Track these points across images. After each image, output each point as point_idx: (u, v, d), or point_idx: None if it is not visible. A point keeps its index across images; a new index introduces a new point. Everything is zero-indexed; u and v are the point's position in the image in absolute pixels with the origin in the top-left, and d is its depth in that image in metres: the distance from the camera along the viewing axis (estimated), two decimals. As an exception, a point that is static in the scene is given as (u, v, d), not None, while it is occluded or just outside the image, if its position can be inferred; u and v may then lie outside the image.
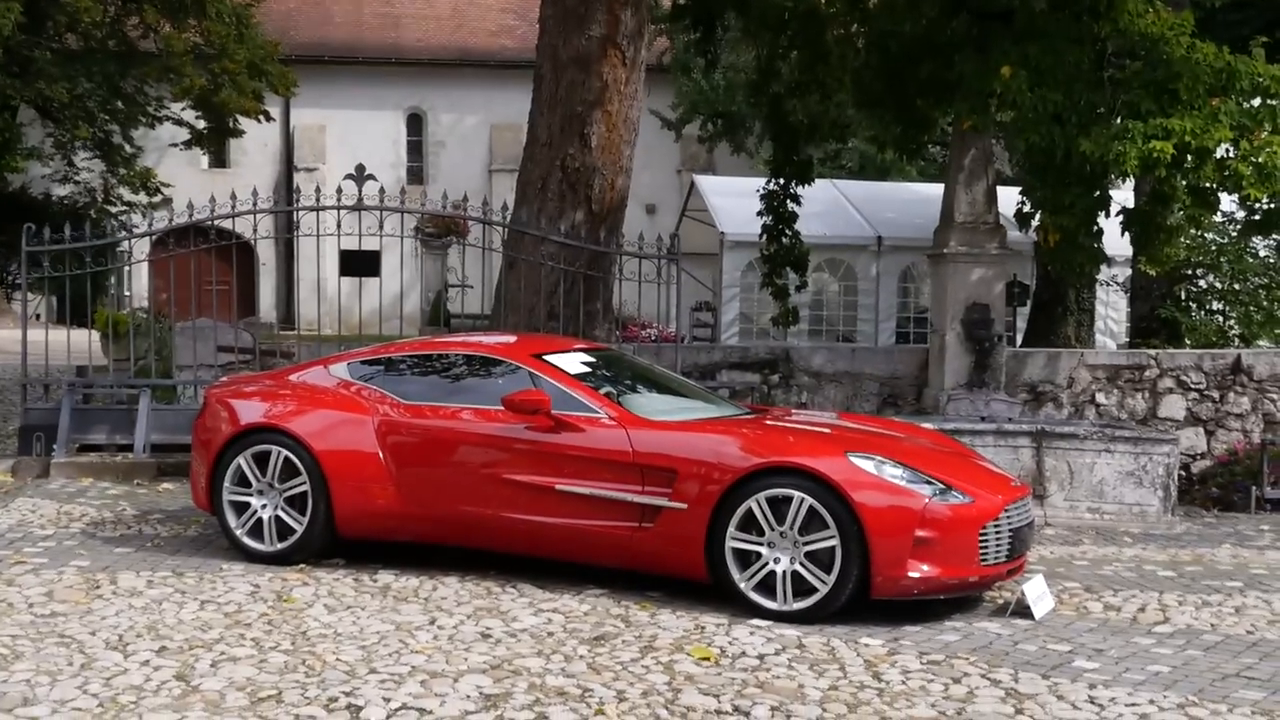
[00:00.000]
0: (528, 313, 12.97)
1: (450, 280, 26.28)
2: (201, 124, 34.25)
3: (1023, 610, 7.63)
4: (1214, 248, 17.57)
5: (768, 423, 8.42)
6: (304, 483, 8.42)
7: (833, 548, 7.25)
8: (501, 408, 8.17)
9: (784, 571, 7.35)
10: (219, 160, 39.98)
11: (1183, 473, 13.15)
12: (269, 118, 35.30)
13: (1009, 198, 14.23)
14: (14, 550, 8.67)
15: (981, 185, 13.37)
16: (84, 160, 34.83)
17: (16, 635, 6.62)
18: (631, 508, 7.79)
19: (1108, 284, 20.07)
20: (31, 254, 12.61)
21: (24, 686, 5.77)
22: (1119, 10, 11.99)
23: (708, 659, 6.51)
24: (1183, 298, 17.91)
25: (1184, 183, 11.82)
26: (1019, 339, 19.30)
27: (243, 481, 8.59)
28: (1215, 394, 13.90)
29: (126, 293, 17.59)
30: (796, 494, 7.32)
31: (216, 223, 12.84)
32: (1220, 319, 17.91)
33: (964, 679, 6.29)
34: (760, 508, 7.40)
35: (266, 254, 38.48)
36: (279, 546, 8.47)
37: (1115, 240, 14.18)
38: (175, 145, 35.27)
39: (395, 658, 6.37)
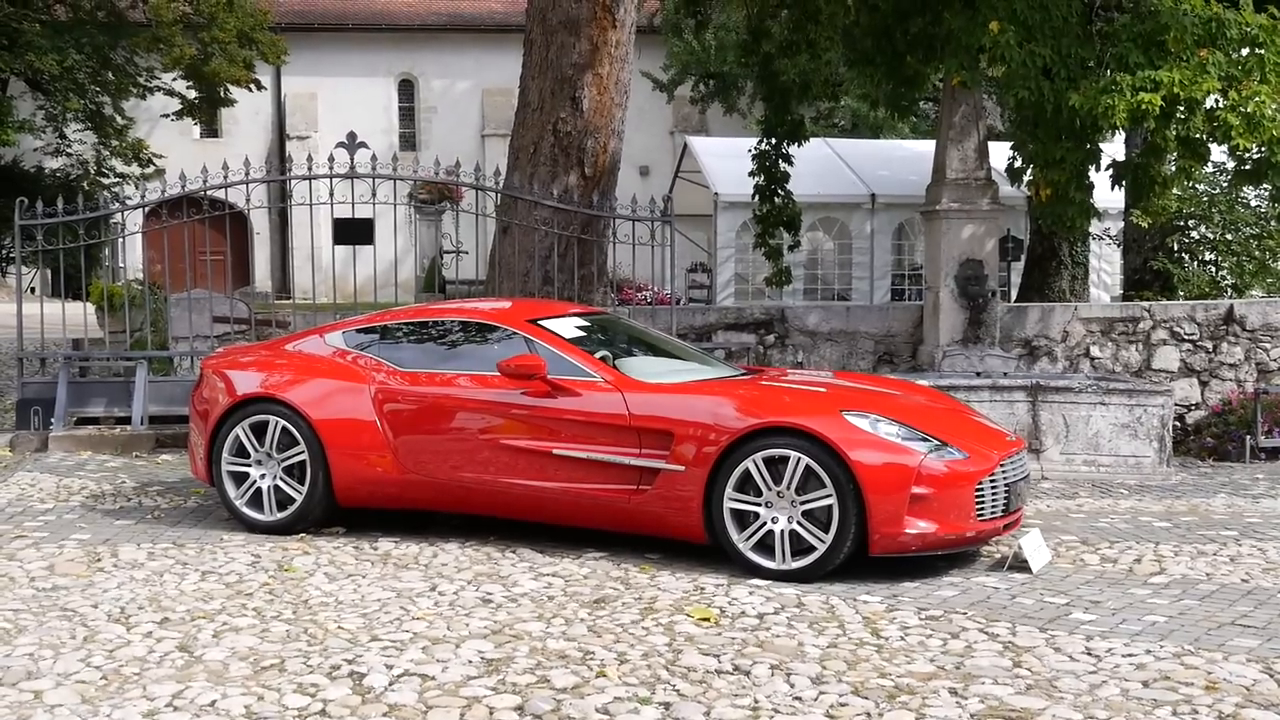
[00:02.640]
0: (522, 278, 13.00)
1: (445, 246, 26.29)
2: (192, 94, 34.14)
3: (1020, 564, 7.68)
4: (1205, 199, 17.58)
5: (763, 383, 8.44)
6: (302, 452, 8.45)
7: (830, 506, 7.28)
8: (498, 374, 8.19)
9: (782, 531, 7.39)
10: (211, 130, 39.89)
11: (1177, 424, 13.21)
12: (260, 86, 35.18)
13: (1001, 153, 14.22)
14: (14, 525, 8.71)
15: (972, 141, 13.35)
16: (75, 132, 34.72)
17: (19, 609, 6.66)
18: (629, 471, 7.82)
19: (1100, 237, 20.11)
20: (25, 228, 12.61)
21: (27, 660, 5.80)
22: (1106, -38, 12.00)
23: (707, 619, 6.54)
24: (1175, 249, 17.93)
25: (1174, 134, 11.83)
26: (1013, 294, 19.36)
27: (241, 452, 8.62)
28: (1209, 344, 13.93)
29: (121, 265, 17.58)
30: (793, 454, 7.34)
31: (210, 193, 12.84)
32: (1213, 270, 17.95)
33: (962, 634, 6.34)
34: (757, 468, 7.43)
35: (260, 223, 38.41)
36: (279, 516, 8.51)
37: (1107, 193, 14.19)
38: (167, 116, 35.16)
39: (397, 625, 6.41)
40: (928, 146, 17.84)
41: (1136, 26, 11.88)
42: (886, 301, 21.42)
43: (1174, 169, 12.94)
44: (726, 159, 21.56)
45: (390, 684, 5.51)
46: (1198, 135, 11.90)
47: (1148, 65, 11.56)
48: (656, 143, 38.85)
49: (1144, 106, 11.25)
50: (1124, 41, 11.85)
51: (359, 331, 9.03)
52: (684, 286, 23.96)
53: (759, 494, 7.44)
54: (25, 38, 30.68)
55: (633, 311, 13.32)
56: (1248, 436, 12.83)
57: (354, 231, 14.75)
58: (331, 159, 12.55)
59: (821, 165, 21.86)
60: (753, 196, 17.42)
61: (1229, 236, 17.75)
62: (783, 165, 17.06)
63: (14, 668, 5.69)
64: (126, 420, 12.37)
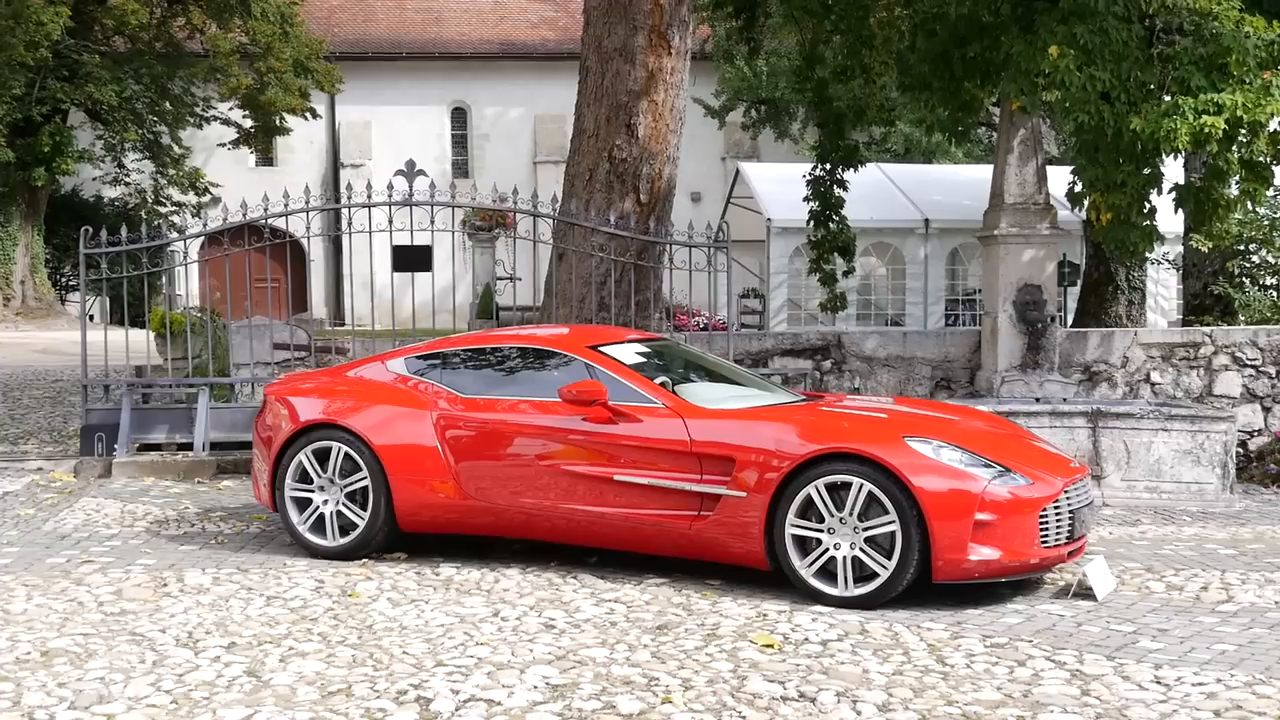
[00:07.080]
0: (578, 304, 13.03)
1: (499, 273, 26.40)
2: (249, 123, 34.55)
3: (1085, 592, 7.62)
4: (1266, 222, 17.43)
5: (823, 409, 8.41)
6: (364, 478, 8.50)
7: (893, 533, 7.25)
8: (558, 399, 8.21)
9: (844, 557, 7.36)
10: (266, 159, 40.27)
11: (1240, 450, 13.07)
12: (315, 115, 35.57)
13: (1057, 177, 14.14)
14: (81, 550, 8.79)
15: (1031, 166, 13.31)
16: (134, 162, 35.25)
17: (88, 634, 6.72)
18: (690, 497, 7.82)
19: (1158, 262, 19.95)
20: (88, 256, 12.75)
21: (99, 684, 5.85)
22: (1166, -14, 11.92)
23: (771, 646, 6.53)
24: (1235, 273, 17.77)
25: (1237, 157, 11.75)
26: (1069, 319, 19.23)
27: (304, 478, 8.67)
28: (1271, 370, 13.79)
29: (179, 292, 17.73)
30: (855, 480, 7.32)
31: (269, 221, 12.94)
32: (1275, 294, 17.77)
33: (1028, 661, 6.29)
34: (819, 494, 7.41)
35: (315, 250, 38.72)
36: (341, 542, 8.55)
37: (1166, 217, 14.08)
38: (223, 145, 35.58)
39: (461, 650, 6.43)
40: (980, 171, 17.82)
41: (1198, 50, 11.80)
42: (941, 327, 21.35)
43: (1236, 192, 12.83)
44: (779, 184, 21.58)
45: (456, 709, 5.52)
46: (1261, 158, 11.82)
47: (1210, 88, 11.48)
48: (708, 169, 38.89)
49: (1207, 130, 11.18)
50: (1185, 65, 11.78)
51: (420, 358, 9.07)
52: (735, 312, 23.97)
53: (821, 520, 7.42)
54: (85, 69, 31.19)
55: (688, 337, 13.32)
56: (1312, 463, 12.69)
57: (413, 258, 14.85)
58: (390, 186, 12.65)
59: (874, 190, 21.85)
60: (808, 222, 17.42)
61: (1291, 261, 17.59)
62: (837, 191, 17.06)
63: (86, 691, 5.74)
64: (188, 446, 12.46)
